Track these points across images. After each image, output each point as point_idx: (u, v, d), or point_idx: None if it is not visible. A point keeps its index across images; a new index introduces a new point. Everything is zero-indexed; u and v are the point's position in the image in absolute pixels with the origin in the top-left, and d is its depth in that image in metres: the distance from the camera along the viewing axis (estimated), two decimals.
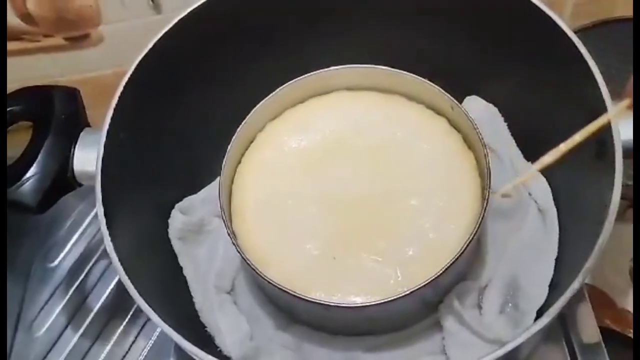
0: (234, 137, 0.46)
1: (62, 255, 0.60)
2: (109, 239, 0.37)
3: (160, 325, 0.36)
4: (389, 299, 0.39)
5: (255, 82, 0.47)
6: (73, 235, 0.61)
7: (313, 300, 0.39)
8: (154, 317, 0.36)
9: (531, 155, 0.49)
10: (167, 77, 0.46)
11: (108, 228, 0.38)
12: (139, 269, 0.39)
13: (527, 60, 0.46)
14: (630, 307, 0.57)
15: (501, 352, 0.35)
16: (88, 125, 0.43)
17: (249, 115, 0.47)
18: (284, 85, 0.47)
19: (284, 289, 0.39)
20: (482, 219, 0.41)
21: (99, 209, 0.38)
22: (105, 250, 0.58)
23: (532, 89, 0.47)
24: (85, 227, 0.62)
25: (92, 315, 0.56)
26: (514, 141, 0.50)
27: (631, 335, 0.53)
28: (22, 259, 0.59)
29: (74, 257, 0.60)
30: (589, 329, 0.48)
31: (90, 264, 0.59)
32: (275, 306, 0.46)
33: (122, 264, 0.37)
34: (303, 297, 0.39)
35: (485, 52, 0.49)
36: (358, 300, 0.40)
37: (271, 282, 0.40)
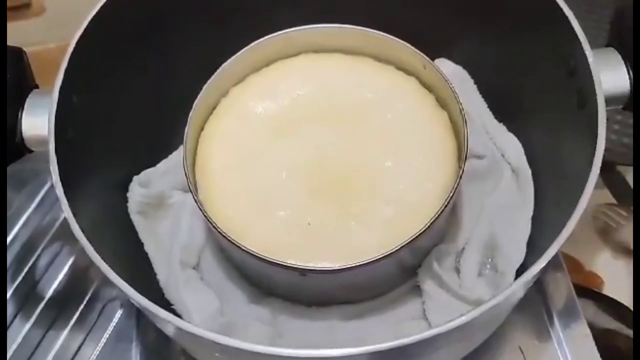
0: (195, 103, 0.43)
1: (9, 238, 0.55)
2: (67, 205, 0.34)
3: (130, 294, 0.33)
4: (367, 261, 0.37)
5: (218, 45, 0.45)
6: (18, 220, 0.57)
7: (290, 265, 0.37)
8: (125, 287, 0.33)
9: (502, 116, 0.49)
10: (123, 37, 0.43)
11: (67, 198, 0.34)
12: (100, 244, 0.36)
13: (496, 18, 0.45)
14: (597, 269, 0.58)
15: (479, 311, 0.34)
16: (36, 87, 0.40)
17: (211, 79, 0.44)
18: (246, 47, 0.45)
19: (259, 255, 0.37)
20: (460, 177, 0.40)
21: (54, 174, 0.35)
22: (53, 236, 0.57)
23: (501, 48, 0.46)
24: (30, 213, 0.58)
25: (43, 303, 0.52)
26: (484, 102, 0.49)
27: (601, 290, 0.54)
28: None
29: (20, 243, 0.55)
30: (563, 289, 0.48)
31: (39, 250, 0.55)
32: (246, 280, 0.44)
33: (84, 234, 0.33)
34: (279, 262, 0.37)
35: (452, 13, 0.48)
36: (335, 265, 0.39)
37: (246, 249, 0.37)
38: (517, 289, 0.35)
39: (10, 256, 0.55)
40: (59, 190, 0.34)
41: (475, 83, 0.50)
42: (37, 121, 0.38)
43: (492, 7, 0.45)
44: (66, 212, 0.34)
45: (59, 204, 0.56)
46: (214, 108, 0.46)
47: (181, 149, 0.48)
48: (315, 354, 0.30)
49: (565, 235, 0.34)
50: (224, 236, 0.38)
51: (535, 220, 0.44)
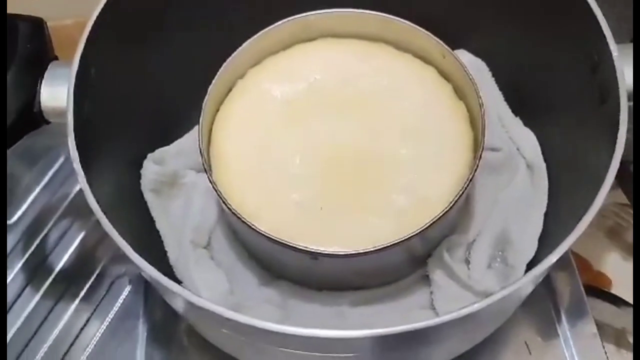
0: (212, 83, 0.43)
1: (19, 212, 0.55)
2: (84, 176, 0.34)
3: (143, 267, 0.33)
4: (378, 248, 0.37)
5: (237, 25, 0.45)
6: (29, 195, 0.57)
7: (301, 248, 0.37)
8: (136, 259, 0.33)
9: (519, 109, 0.48)
10: (142, 13, 0.43)
11: (84, 171, 0.34)
12: (112, 218, 0.36)
13: (518, 10, 0.44)
14: (605, 269, 0.57)
15: (489, 301, 0.34)
16: (55, 58, 0.40)
17: (228, 60, 0.44)
18: (264, 30, 0.45)
19: (271, 237, 0.37)
20: (476, 168, 0.39)
21: (72, 146, 0.35)
22: (64, 212, 0.57)
23: (521, 41, 0.45)
24: (44, 186, 0.58)
25: (53, 275, 0.52)
26: (502, 95, 0.49)
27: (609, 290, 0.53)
28: None
29: (32, 215, 0.56)
30: (572, 287, 0.48)
31: (51, 223, 0.55)
32: (257, 261, 0.44)
33: (100, 205, 0.34)
34: (291, 244, 0.37)
35: (471, 4, 0.47)
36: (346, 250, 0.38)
37: (258, 230, 0.37)
38: (527, 282, 0.34)
39: (20, 230, 0.55)
40: (76, 162, 0.34)
41: (492, 76, 0.49)
42: (56, 92, 0.38)
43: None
44: (82, 183, 0.34)
45: (70, 180, 0.58)
46: (230, 90, 0.45)
47: (194, 130, 0.48)
48: (326, 334, 0.30)
49: (579, 232, 0.34)
50: (237, 216, 0.38)
51: (548, 216, 0.43)
